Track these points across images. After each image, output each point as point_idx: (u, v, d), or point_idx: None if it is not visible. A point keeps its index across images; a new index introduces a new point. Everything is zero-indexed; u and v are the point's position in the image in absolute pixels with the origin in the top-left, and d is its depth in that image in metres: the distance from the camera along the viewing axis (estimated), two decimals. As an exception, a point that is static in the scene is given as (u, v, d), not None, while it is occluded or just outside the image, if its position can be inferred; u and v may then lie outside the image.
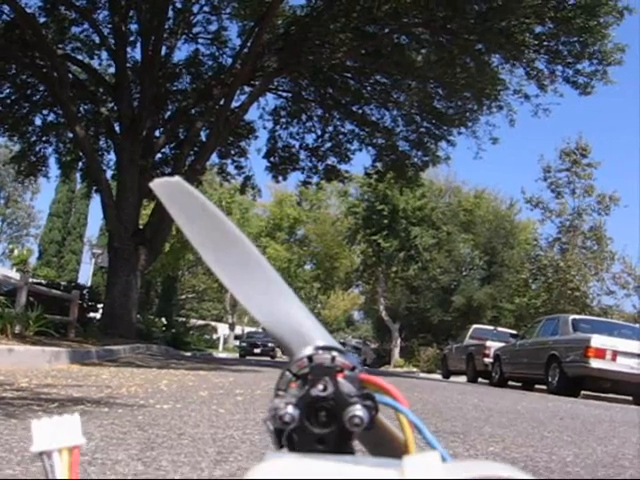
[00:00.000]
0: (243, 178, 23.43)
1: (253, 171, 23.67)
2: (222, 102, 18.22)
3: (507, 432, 4.52)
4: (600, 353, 12.17)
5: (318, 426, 0.71)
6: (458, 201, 46.97)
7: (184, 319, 42.75)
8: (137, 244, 16.60)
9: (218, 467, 2.56)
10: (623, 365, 12.23)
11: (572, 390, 12.88)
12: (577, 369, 12.60)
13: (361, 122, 22.29)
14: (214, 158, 22.72)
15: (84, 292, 17.08)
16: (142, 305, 45.54)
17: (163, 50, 19.16)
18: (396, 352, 43.17)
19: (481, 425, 4.80)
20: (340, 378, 0.71)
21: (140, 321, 26.82)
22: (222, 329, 49.01)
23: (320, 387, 0.71)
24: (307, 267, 59.11)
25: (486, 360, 18.25)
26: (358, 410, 0.69)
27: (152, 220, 17.20)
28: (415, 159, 22.31)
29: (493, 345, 18.33)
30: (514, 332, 21.25)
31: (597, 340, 12.38)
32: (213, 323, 51.62)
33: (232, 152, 22.92)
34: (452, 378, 21.84)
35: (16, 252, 41.09)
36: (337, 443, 0.71)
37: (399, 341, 43.95)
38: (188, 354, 18.90)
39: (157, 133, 19.48)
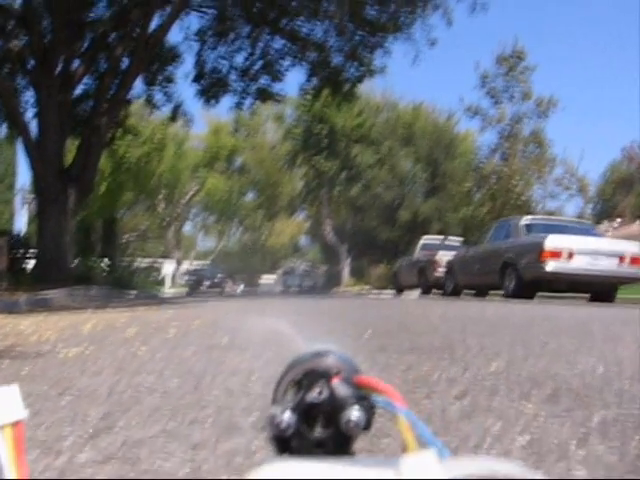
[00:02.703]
0: (173, 106, 22.27)
1: (183, 98, 22.23)
2: (141, 25, 17.00)
3: (496, 342, 3.96)
4: (556, 254, 11.82)
5: (315, 431, 0.73)
6: (397, 116, 46.22)
7: (128, 260, 41.75)
8: (64, 184, 15.56)
9: (90, 444, 1.64)
10: (579, 264, 11.91)
11: (529, 293, 12.61)
12: (533, 272, 12.25)
13: (291, 37, 21.23)
14: (140, 87, 21.52)
15: (12, 240, 16.08)
16: (83, 248, 44.44)
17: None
18: (346, 273, 43.00)
19: (462, 337, 4.24)
20: (335, 382, 0.73)
21: (82, 264, 25.86)
22: (168, 267, 48.00)
23: (315, 393, 0.73)
24: (249, 196, 58.17)
25: (438, 272, 17.95)
26: (354, 414, 0.71)
27: (78, 157, 16.14)
28: (350, 73, 21.43)
29: (444, 256, 18.01)
30: (463, 240, 21.00)
31: (552, 241, 12.01)
32: (160, 260, 50.63)
33: (159, 79, 21.67)
34: (405, 293, 21.63)
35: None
36: (336, 446, 0.72)
37: (348, 262, 43.74)
38: (132, 295, 18.09)
39: (76, 66, 18.16)
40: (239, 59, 22.06)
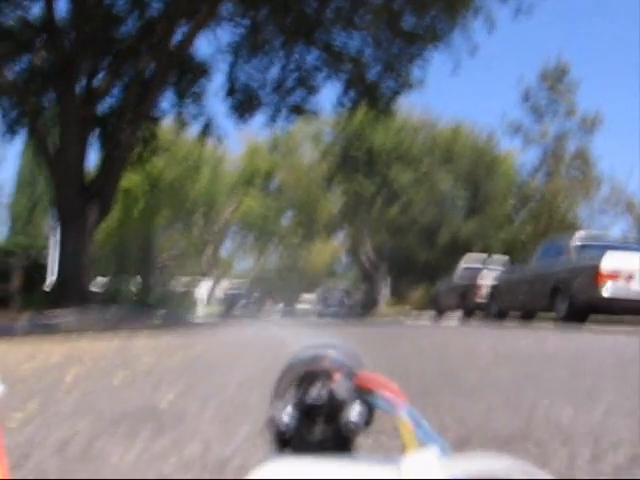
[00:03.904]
0: (204, 123, 21.54)
1: (214, 115, 21.53)
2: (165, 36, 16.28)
3: (585, 401, 2.86)
4: (613, 276, 10.66)
5: (315, 432, 0.72)
6: (436, 135, 45.17)
7: (162, 281, 41.38)
8: (84, 201, 14.81)
9: None
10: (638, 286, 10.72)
11: (582, 317, 11.45)
12: (588, 297, 11.09)
13: (326, 50, 20.42)
14: (169, 104, 20.90)
15: (28, 259, 15.35)
16: (116, 268, 44.03)
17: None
18: (384, 295, 41.84)
19: (535, 394, 3.14)
20: (335, 383, 0.73)
21: (112, 284, 25.24)
22: (204, 287, 47.23)
23: (315, 394, 0.72)
24: (287, 216, 57.37)
25: (481, 296, 16.82)
26: (353, 415, 0.71)
27: (100, 174, 15.42)
28: (387, 86, 20.52)
29: (487, 279, 16.88)
30: (508, 258, 19.82)
31: (608, 262, 10.84)
32: (196, 280, 49.85)
33: (188, 94, 20.97)
34: (445, 315, 20.49)
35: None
36: (336, 445, 0.71)
37: (387, 283, 42.59)
38: (156, 317, 17.26)
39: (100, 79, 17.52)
40: (272, 73, 21.32)
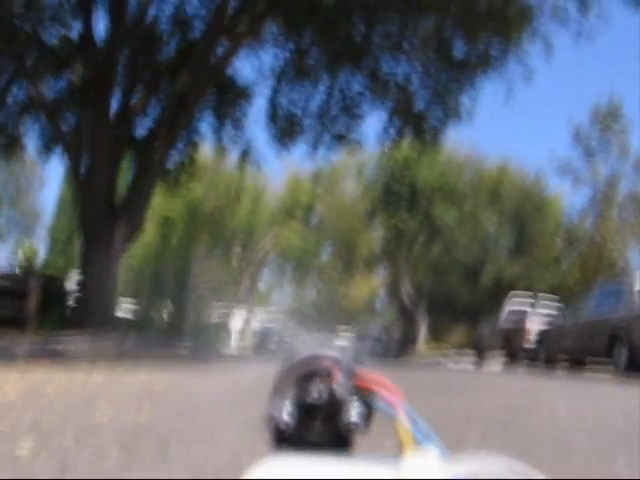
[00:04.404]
0: (242, 149, 20.86)
1: (253, 141, 20.80)
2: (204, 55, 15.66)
3: None
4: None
5: (314, 431, 0.72)
6: (482, 174, 44.08)
7: (195, 311, 40.78)
8: (112, 222, 14.12)
9: None
10: None
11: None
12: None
13: (372, 77, 19.67)
14: (208, 129, 20.33)
15: (47, 281, 14.64)
16: (150, 295, 43.56)
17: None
18: (422, 336, 40.61)
19: None
20: (335, 384, 0.73)
21: (142, 311, 24.58)
22: (238, 320, 46.33)
23: (315, 394, 0.73)
24: (326, 251, 56.52)
25: (529, 341, 15.66)
26: (353, 415, 0.71)
27: (130, 194, 14.74)
28: (434, 116, 19.65)
29: (536, 323, 15.75)
30: (557, 298, 18.64)
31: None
32: (231, 312, 49.05)
33: (227, 120, 20.37)
34: (488, 359, 19.32)
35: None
36: (335, 446, 0.71)
37: (425, 324, 41.35)
38: (181, 348, 16.47)
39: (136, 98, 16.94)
40: (316, 99, 20.62)
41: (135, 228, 14.81)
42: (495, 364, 18.62)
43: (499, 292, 34.54)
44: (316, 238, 52.64)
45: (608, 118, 33.72)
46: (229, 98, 19.95)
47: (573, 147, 34.31)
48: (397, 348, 41.36)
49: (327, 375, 0.73)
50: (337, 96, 20.51)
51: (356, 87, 20.28)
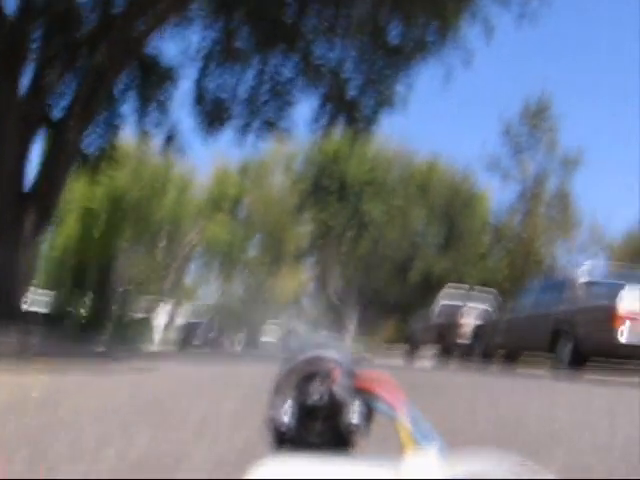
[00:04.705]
0: (166, 136, 19.78)
1: (178, 128, 19.73)
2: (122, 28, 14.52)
3: None
4: (631, 319, 8.98)
5: (315, 433, 0.73)
6: (410, 170, 43.85)
7: (117, 307, 39.35)
8: (22, 207, 12.92)
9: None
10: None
11: (583, 364, 9.84)
12: (599, 343, 9.40)
13: (303, 62, 18.88)
14: (130, 114, 19.22)
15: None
16: (73, 287, 41.80)
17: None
18: (351, 333, 40.13)
19: None
20: (335, 385, 0.74)
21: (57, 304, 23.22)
22: (162, 317, 44.90)
23: (315, 395, 0.73)
24: (253, 246, 55.46)
25: (463, 337, 15.15)
26: (353, 415, 0.72)
27: (41, 177, 13.52)
28: (367, 104, 18.99)
29: (470, 316, 15.25)
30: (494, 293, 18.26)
31: (626, 302, 9.19)
32: (156, 308, 47.45)
33: (152, 103, 19.26)
34: (419, 355, 18.81)
35: None
36: (335, 446, 0.72)
37: (354, 320, 40.88)
38: (97, 345, 15.40)
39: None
40: (245, 83, 19.71)
41: (47, 214, 13.58)
42: (427, 359, 18.12)
43: (428, 287, 34.31)
44: (244, 232, 51.58)
45: (537, 115, 33.80)
46: (153, 80, 18.91)
47: (503, 143, 34.26)
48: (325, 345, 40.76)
49: (327, 376, 0.72)
50: (267, 81, 19.66)
51: (287, 72, 19.49)
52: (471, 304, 17.27)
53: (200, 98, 19.55)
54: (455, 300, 18.11)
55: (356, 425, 0.71)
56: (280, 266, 54.19)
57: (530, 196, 33.72)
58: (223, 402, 3.88)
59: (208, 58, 19.36)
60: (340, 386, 0.72)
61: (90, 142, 18.87)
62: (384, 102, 18.73)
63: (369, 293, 40.59)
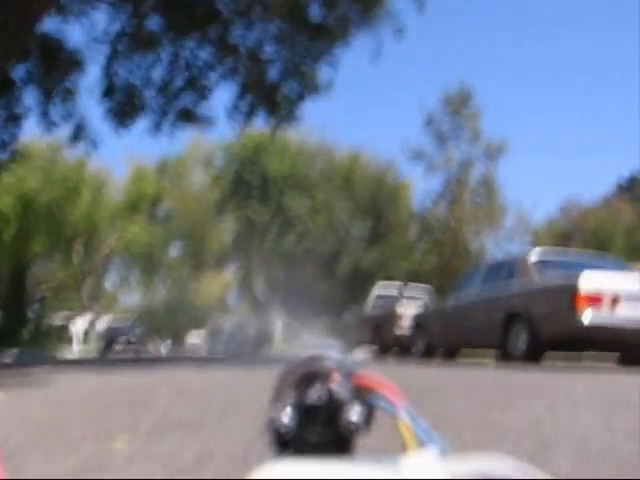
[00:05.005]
0: (74, 127, 18.30)
1: (87, 117, 18.31)
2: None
3: None
4: (594, 300, 8.23)
5: (315, 433, 0.72)
6: (332, 164, 43.04)
7: (32, 315, 37.40)
8: None
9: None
10: (628, 313, 8.33)
11: (541, 354, 9.08)
12: (561, 327, 8.59)
13: (220, 46, 17.74)
14: (34, 104, 17.70)
15: None
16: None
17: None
18: (279, 331, 39.04)
19: None
20: (334, 384, 0.73)
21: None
22: (81, 323, 42.89)
23: (314, 395, 0.73)
24: (175, 247, 53.75)
25: (401, 328, 14.30)
26: (353, 415, 0.71)
27: None
28: (289, 90, 17.98)
29: (408, 307, 14.43)
30: (428, 287, 17.51)
31: (588, 281, 8.40)
32: (73, 315, 45.38)
33: (56, 91, 17.80)
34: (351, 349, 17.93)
35: None
36: (335, 446, 0.72)
37: (281, 318, 39.79)
38: (8, 355, 13.98)
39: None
40: (158, 71, 18.42)
41: None
42: (362, 354, 17.29)
43: (357, 281, 33.61)
44: (164, 233, 49.88)
45: (459, 103, 33.50)
46: (57, 66, 17.45)
47: (425, 133, 33.83)
48: (252, 345, 39.63)
49: (326, 376, 0.72)
50: (182, 68, 18.43)
51: (204, 57, 18.31)
52: (407, 295, 16.50)
53: (109, 87, 18.16)
54: (391, 293, 17.30)
55: (356, 425, 0.69)
56: (203, 267, 52.73)
57: (455, 184, 33.41)
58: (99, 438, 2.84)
59: (117, 43, 18.01)
60: (340, 386, 0.71)
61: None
62: (308, 87, 17.74)
63: (296, 290, 39.61)
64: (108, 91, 18.17)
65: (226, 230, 47.69)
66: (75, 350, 32.90)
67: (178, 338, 51.29)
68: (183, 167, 47.15)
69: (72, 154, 42.04)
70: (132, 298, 62.20)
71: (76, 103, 18.19)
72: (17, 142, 17.83)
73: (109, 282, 58.30)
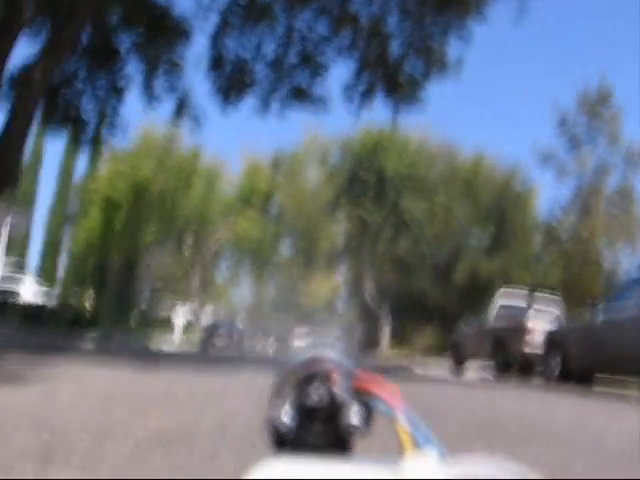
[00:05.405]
0: (177, 102, 17.01)
1: (191, 94, 16.99)
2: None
3: None
4: None
5: (314, 434, 0.72)
6: (454, 166, 40.59)
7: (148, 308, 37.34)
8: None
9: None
10: None
11: None
12: None
13: (337, 18, 16.01)
14: (135, 71, 16.53)
15: None
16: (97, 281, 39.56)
17: None
18: (386, 337, 37.04)
19: None
20: (334, 386, 0.73)
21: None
22: (185, 314, 42.12)
23: (314, 396, 0.72)
24: (286, 243, 52.61)
25: (531, 345, 12.05)
26: (352, 416, 0.71)
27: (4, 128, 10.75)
28: (413, 67, 16.03)
29: (541, 320, 12.19)
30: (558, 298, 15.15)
31: None
32: (183, 302, 44.82)
33: (161, 63, 16.54)
34: (465, 367, 15.79)
35: None
36: (335, 447, 0.72)
37: (389, 324, 37.76)
38: (91, 341, 12.74)
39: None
40: (270, 45, 16.90)
41: (6, 177, 10.73)
42: (479, 372, 15.14)
43: (474, 291, 31.16)
44: (274, 230, 48.78)
45: (597, 104, 30.56)
46: (162, 35, 16.17)
47: (557, 135, 31.06)
48: (357, 350, 37.79)
49: (326, 378, 0.72)
50: (296, 41, 16.84)
51: (319, 30, 16.63)
52: (537, 307, 14.17)
53: (217, 60, 16.78)
54: (517, 302, 15.02)
55: (356, 426, 0.69)
56: (313, 266, 51.35)
57: (588, 193, 30.51)
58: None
59: (227, 13, 16.60)
60: (339, 387, 0.71)
61: (89, 106, 16.33)
62: (434, 65, 15.73)
63: (407, 297, 37.49)
64: (215, 64, 16.81)
65: (338, 230, 46.18)
66: (175, 341, 31.97)
67: (283, 339, 50.18)
68: (298, 163, 45.90)
69: (186, 144, 41.83)
70: (240, 293, 61.73)
71: (181, 76, 16.91)
72: (117, 117, 16.70)
73: (219, 276, 57.90)
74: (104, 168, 42.69)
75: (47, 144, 43.64)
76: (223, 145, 79.21)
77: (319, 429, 0.71)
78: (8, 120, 10.60)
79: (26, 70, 11.20)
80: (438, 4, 14.72)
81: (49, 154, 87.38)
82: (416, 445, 0.65)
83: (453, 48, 15.50)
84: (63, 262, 53.13)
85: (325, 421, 0.71)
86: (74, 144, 15.91)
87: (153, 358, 10.51)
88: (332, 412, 0.70)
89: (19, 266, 36.94)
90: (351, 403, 0.71)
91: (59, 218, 46.09)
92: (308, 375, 0.73)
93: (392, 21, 15.77)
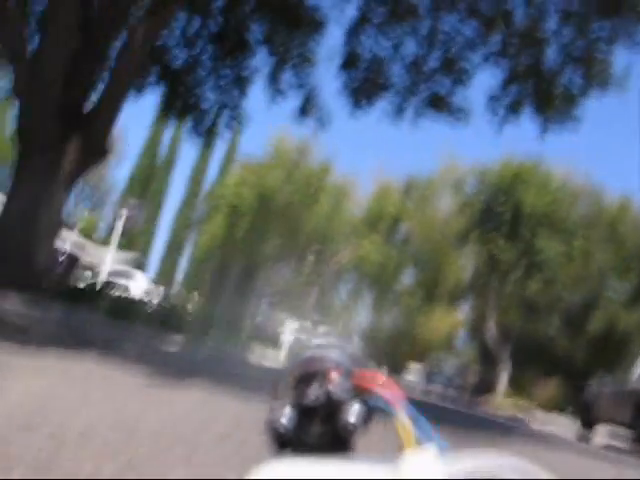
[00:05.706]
0: (303, 99, 15.78)
1: (318, 92, 15.73)
2: None
3: None
4: None
5: (313, 434, 0.72)
6: (597, 208, 37.64)
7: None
8: (63, 128, 9.14)
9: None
10: None
11: None
12: None
13: (487, 21, 14.32)
14: (262, 63, 15.49)
15: None
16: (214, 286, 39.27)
17: None
18: (503, 382, 34.41)
19: None
20: (332, 385, 0.73)
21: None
22: (293, 330, 41.01)
23: (313, 396, 0.73)
24: (406, 274, 50.69)
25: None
26: (351, 415, 0.71)
27: (94, 90, 9.73)
28: (568, 81, 14.09)
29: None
30: None
31: None
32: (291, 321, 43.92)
33: (290, 55, 15.38)
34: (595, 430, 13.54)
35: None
36: (335, 446, 0.71)
37: (508, 369, 35.13)
38: (175, 344, 11.67)
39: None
40: (411, 46, 15.43)
41: (95, 143, 9.66)
42: (610, 439, 12.91)
43: (610, 345, 28.31)
44: (398, 256, 47.02)
45: None
46: (294, 26, 15.01)
47: None
48: (470, 394, 35.35)
49: (325, 377, 0.72)
50: (439, 44, 15.27)
51: (466, 33, 15.00)
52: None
53: (351, 57, 15.46)
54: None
55: (354, 425, 0.69)
56: (435, 300, 49.17)
57: None
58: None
59: (366, 7, 15.26)
60: (338, 386, 0.71)
61: (208, 95, 15.38)
62: (594, 78, 13.72)
63: (530, 344, 34.81)
64: (349, 62, 15.51)
65: (465, 264, 43.95)
66: (280, 358, 30.76)
67: (395, 369, 48.27)
68: (431, 190, 44.11)
69: (317, 158, 40.95)
70: (357, 318, 60.20)
71: (310, 72, 15.69)
72: (238, 110, 15.69)
73: (336, 298, 56.70)
74: (233, 175, 42.55)
75: (182, 148, 44.21)
76: (354, 164, 78.33)
77: (318, 429, 0.69)
78: (105, 87, 9.59)
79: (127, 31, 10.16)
80: (605, 6, 12.75)
81: (183, 157, 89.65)
82: (417, 442, 0.62)
83: (619, 58, 13.52)
84: (183, 265, 53.93)
85: (324, 420, 0.69)
86: (189, 133, 14.88)
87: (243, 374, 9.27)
88: (330, 411, 0.68)
89: (138, 263, 37.18)
90: (350, 402, 0.69)
91: (185, 221, 46.53)
92: (307, 375, 0.71)
93: (549, 25, 13.91)
